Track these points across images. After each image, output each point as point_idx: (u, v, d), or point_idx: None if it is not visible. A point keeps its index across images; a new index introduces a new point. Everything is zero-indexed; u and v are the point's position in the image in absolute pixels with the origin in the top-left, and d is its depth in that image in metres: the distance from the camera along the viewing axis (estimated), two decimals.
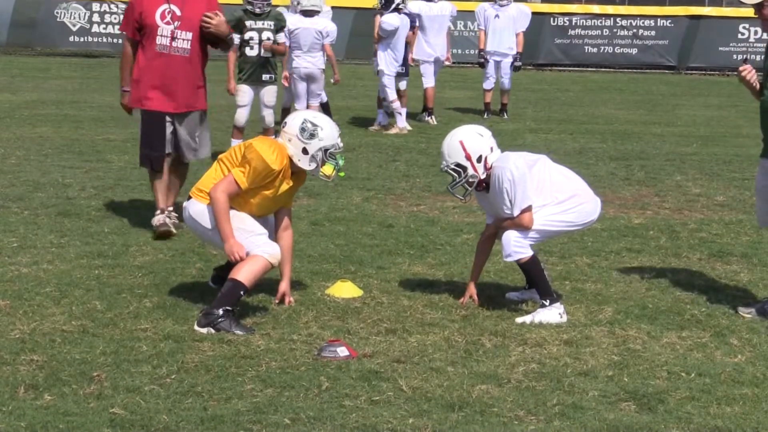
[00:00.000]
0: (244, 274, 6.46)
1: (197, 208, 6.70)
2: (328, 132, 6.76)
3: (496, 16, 17.44)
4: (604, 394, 5.49)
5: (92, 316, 6.55)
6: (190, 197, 6.78)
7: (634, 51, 28.19)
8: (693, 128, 16.85)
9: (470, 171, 6.84)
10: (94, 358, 5.82)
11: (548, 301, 6.77)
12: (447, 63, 17.14)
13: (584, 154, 13.63)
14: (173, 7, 8.65)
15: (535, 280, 6.90)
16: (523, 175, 6.78)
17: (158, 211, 8.79)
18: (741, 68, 7.01)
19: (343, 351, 5.93)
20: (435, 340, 6.28)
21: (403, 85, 15.93)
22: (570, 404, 5.35)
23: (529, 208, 6.78)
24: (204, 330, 6.32)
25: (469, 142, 6.87)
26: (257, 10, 11.85)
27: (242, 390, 5.43)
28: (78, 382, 5.47)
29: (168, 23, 8.63)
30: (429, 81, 16.59)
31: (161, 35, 8.63)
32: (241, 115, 11.99)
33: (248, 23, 11.85)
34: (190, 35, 8.69)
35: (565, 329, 6.52)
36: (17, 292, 6.99)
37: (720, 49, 27.39)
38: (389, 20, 15.24)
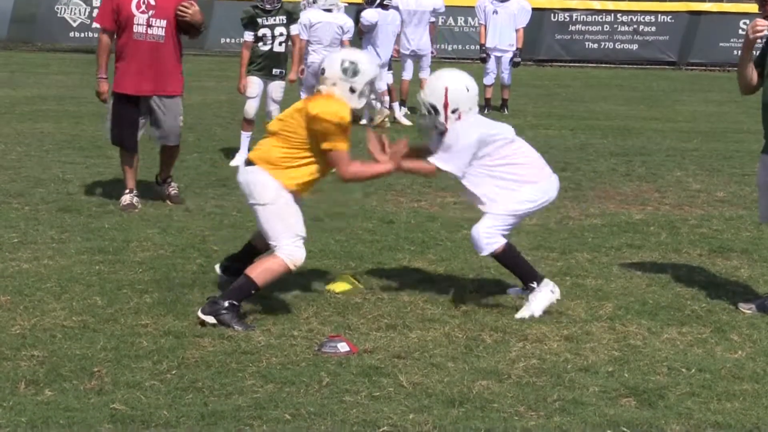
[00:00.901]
0: (260, 273, 6.46)
1: (261, 178, 6.54)
2: (368, 64, 6.71)
3: (495, 11, 17.45)
4: (604, 390, 5.50)
5: (93, 311, 6.55)
6: (251, 162, 6.62)
7: (635, 47, 28.19)
8: (693, 124, 16.85)
9: (440, 118, 6.78)
10: (94, 353, 5.82)
11: (535, 282, 6.76)
12: (430, 56, 17.03)
13: (585, 150, 13.63)
14: None
15: (514, 268, 6.88)
16: (471, 144, 6.73)
17: (126, 191, 9.53)
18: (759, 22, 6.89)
19: (343, 347, 5.94)
20: (435, 336, 6.28)
21: (389, 79, 16.00)
22: (570, 400, 5.35)
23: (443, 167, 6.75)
24: (206, 317, 6.31)
25: (453, 93, 6.78)
26: (268, 6, 11.82)
27: (243, 386, 5.44)
28: (78, 378, 5.47)
29: (143, 12, 9.30)
30: (405, 74, 16.76)
31: (137, 24, 9.30)
32: (251, 107, 11.94)
33: (260, 20, 11.80)
34: (164, 23, 9.35)
35: (566, 325, 6.53)
36: (18, 287, 6.99)
37: (720, 44, 27.38)
38: (368, 15, 15.34)
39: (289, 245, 6.49)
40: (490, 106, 17.71)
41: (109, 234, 8.51)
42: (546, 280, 6.82)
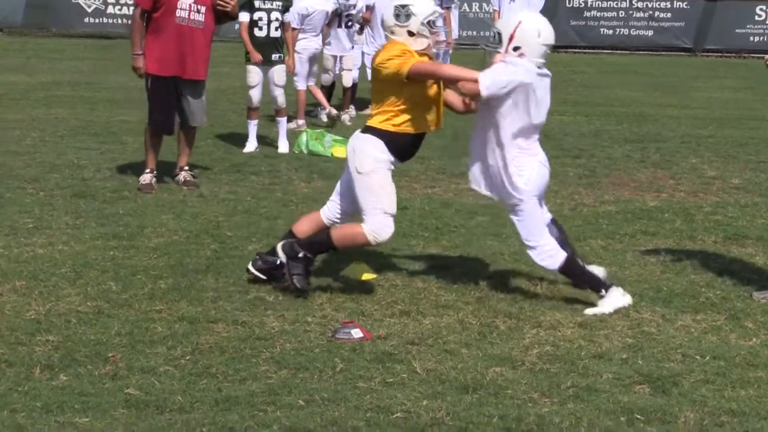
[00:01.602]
0: (342, 235, 6.64)
1: (364, 147, 6.60)
2: (421, 4, 6.64)
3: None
4: (618, 377, 5.49)
5: (107, 297, 6.57)
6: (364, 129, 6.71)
7: (650, 33, 28.06)
8: (709, 110, 16.78)
9: (501, 48, 6.59)
10: (109, 338, 5.84)
11: (604, 290, 6.60)
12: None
13: (599, 137, 13.59)
14: None
15: (578, 280, 6.77)
16: (513, 80, 6.46)
17: (147, 170, 9.75)
18: None
19: (357, 333, 5.94)
20: (449, 322, 6.28)
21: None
22: (584, 387, 5.35)
23: (483, 83, 6.44)
24: (282, 255, 6.55)
25: (522, 30, 6.56)
26: None
27: (256, 371, 5.45)
28: (93, 363, 5.49)
29: None
30: None
31: (181, 8, 9.52)
32: (254, 95, 11.97)
33: (257, 3, 11.89)
34: (204, 9, 9.63)
35: (580, 311, 6.52)
36: (33, 272, 7.01)
37: (737, 31, 27.26)
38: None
39: (375, 220, 6.58)
40: None
41: (124, 220, 8.53)
42: (614, 286, 6.65)
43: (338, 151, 11.63)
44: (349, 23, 14.52)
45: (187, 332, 5.97)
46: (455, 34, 17.41)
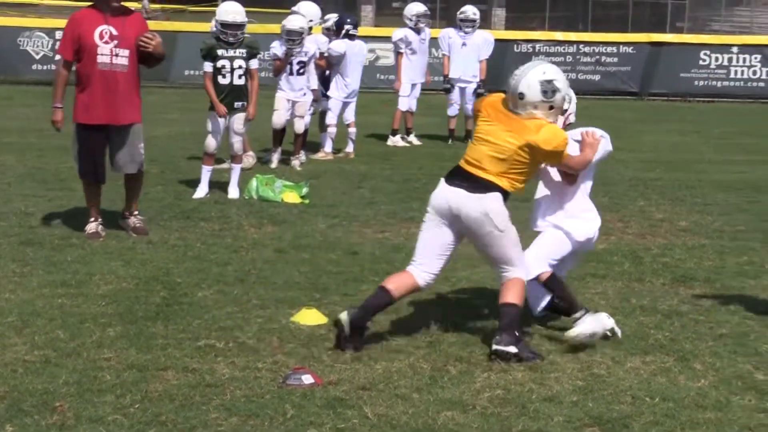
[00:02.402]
0: (516, 296, 6.64)
1: (496, 206, 6.62)
2: (563, 81, 6.82)
3: (464, 44, 17.63)
4: (569, 420, 5.50)
5: (55, 345, 6.50)
6: (483, 188, 6.63)
7: (597, 77, 28.38)
8: (656, 154, 16.98)
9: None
10: (56, 388, 5.77)
11: (578, 313, 7.01)
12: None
13: None
14: (109, 28, 9.38)
15: (560, 296, 7.18)
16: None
17: (92, 219, 9.66)
18: None
19: (308, 378, 5.92)
20: (400, 367, 6.27)
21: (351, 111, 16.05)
22: (535, 430, 5.36)
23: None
24: (510, 349, 6.40)
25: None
26: (231, 39, 11.79)
27: (207, 419, 5.41)
28: (40, 413, 5.42)
29: (107, 42, 9.35)
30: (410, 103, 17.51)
31: (102, 54, 9.35)
32: (212, 142, 11.91)
33: (220, 52, 11.77)
34: (127, 52, 9.44)
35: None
36: None
37: (681, 75, 27.62)
38: (336, 47, 15.37)
39: (522, 263, 6.76)
40: (453, 137, 17.80)
41: (72, 267, 8.46)
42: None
43: (288, 197, 11.63)
44: (301, 70, 14.36)
45: (136, 380, 5.92)
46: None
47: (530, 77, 6.67)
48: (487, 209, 6.58)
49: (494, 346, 6.43)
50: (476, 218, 6.59)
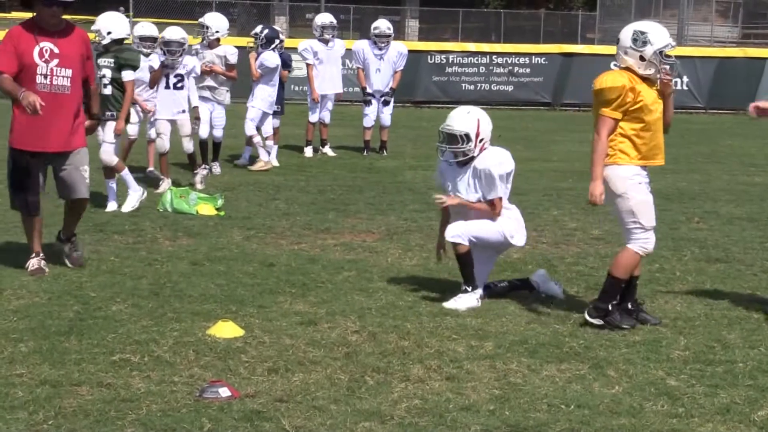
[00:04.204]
0: (621, 270, 7.33)
1: (612, 172, 7.52)
2: (658, 34, 7.25)
3: (380, 58, 17.72)
4: (486, 428, 5.54)
5: None
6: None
7: (510, 88, 28.69)
8: (568, 163, 17.18)
9: (471, 146, 7.96)
10: None
11: (470, 287, 7.90)
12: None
13: None
14: (50, 45, 8.47)
15: (463, 268, 7.95)
16: (511, 171, 8.09)
17: (33, 255, 8.75)
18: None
19: (224, 391, 5.88)
20: (318, 379, 6.27)
21: (276, 123, 16.09)
22: None
23: (500, 199, 7.99)
24: (596, 321, 7.24)
25: (484, 125, 8.05)
26: (99, 47, 11.44)
27: None
28: None
29: (46, 61, 8.44)
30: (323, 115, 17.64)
31: (40, 74, 8.42)
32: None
33: (99, 61, 11.41)
34: (69, 72, 8.56)
35: (447, 364, 6.57)
36: None
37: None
38: (270, 58, 15.34)
39: (639, 236, 7.35)
40: (369, 148, 17.84)
41: None
42: (480, 290, 8.00)
43: (203, 209, 11.56)
44: (179, 84, 13.56)
45: (49, 396, 5.83)
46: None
47: (629, 26, 7.38)
48: (606, 173, 7.60)
49: (586, 315, 7.36)
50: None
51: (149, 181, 13.35)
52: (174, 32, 13.70)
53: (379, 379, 6.30)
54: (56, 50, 8.49)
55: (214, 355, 6.66)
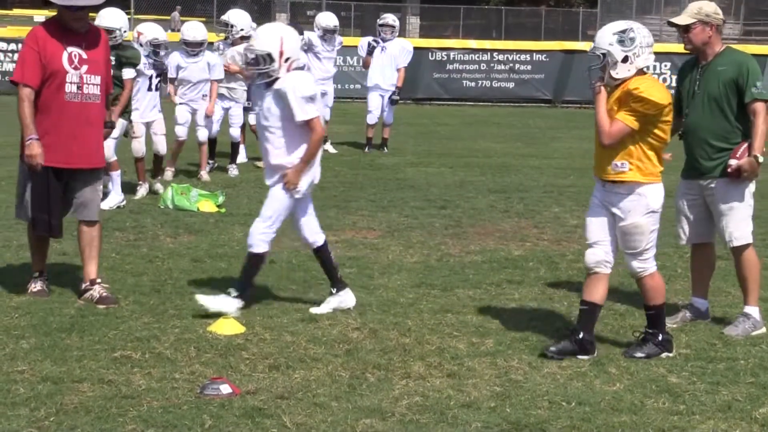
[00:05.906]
0: (658, 296, 6.98)
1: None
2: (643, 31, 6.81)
3: (383, 48, 17.68)
4: (486, 425, 5.54)
5: None
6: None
7: (511, 85, 28.68)
8: (569, 160, 17.17)
9: (275, 66, 7.45)
10: None
11: (336, 290, 7.79)
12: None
13: (464, 187, 13.78)
14: (78, 50, 7.65)
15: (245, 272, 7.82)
16: (313, 95, 7.51)
17: (36, 274, 8.01)
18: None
19: (225, 388, 5.89)
20: (319, 375, 6.27)
21: (252, 119, 15.90)
22: None
23: (317, 119, 7.56)
24: (665, 355, 6.82)
25: (288, 44, 7.51)
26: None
27: (123, 431, 5.35)
28: None
29: (76, 68, 7.61)
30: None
31: (70, 82, 7.58)
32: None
33: None
34: (98, 79, 7.74)
35: (448, 361, 6.57)
36: None
37: None
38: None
39: (651, 253, 7.09)
40: (371, 145, 17.84)
41: None
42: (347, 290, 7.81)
43: (204, 206, 11.56)
44: (158, 85, 13.09)
45: (51, 393, 5.83)
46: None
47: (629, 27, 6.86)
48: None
49: (630, 352, 6.88)
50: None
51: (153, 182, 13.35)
52: (195, 30, 13.76)
53: (380, 376, 6.30)
54: (85, 56, 7.67)
55: (215, 352, 6.66)
